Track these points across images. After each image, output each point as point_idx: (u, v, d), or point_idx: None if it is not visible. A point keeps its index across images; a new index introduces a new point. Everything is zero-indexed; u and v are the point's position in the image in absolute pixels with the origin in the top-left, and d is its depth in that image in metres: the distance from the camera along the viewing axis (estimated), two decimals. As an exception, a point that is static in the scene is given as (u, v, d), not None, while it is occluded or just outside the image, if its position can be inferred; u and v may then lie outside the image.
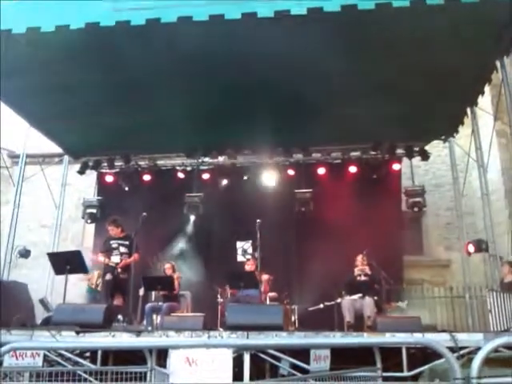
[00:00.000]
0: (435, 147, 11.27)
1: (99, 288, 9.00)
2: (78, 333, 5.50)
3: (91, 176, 12.11)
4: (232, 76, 7.66)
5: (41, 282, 10.19)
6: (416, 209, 10.55)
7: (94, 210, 11.30)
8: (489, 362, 2.32)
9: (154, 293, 8.78)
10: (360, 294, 7.89)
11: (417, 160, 10.96)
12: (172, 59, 7.15)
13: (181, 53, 6.96)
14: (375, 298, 7.80)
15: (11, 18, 5.91)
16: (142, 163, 11.76)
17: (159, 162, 11.83)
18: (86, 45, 6.61)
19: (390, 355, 4.82)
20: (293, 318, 8.60)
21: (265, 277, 8.71)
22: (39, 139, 10.41)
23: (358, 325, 7.56)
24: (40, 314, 8.83)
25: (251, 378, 4.57)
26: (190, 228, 11.02)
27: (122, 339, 5.31)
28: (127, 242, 8.04)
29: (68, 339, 5.34)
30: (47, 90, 8.07)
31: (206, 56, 7.05)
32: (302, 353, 4.71)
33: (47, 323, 6.89)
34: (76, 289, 9.33)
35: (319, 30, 6.25)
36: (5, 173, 11.97)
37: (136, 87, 8.05)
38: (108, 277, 7.84)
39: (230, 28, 5.95)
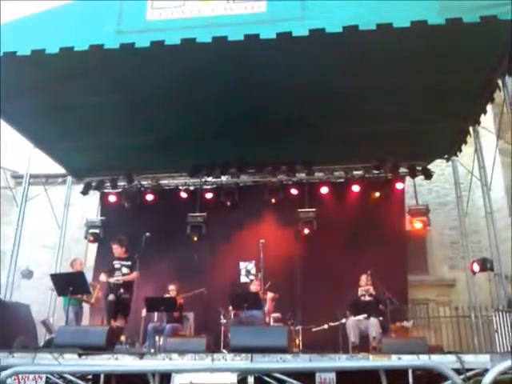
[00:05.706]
0: (438, 166, 11.25)
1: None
2: (80, 355, 5.44)
3: (94, 196, 12.12)
4: (235, 96, 7.72)
5: (43, 303, 10.15)
6: (420, 227, 10.49)
7: (97, 230, 11.31)
8: (496, 384, 2.29)
9: (156, 313, 8.72)
10: (365, 315, 7.81)
11: (420, 179, 10.92)
12: (174, 80, 7.19)
13: (183, 74, 7.01)
14: (380, 318, 7.72)
15: (15, 39, 5.99)
16: (144, 183, 11.76)
17: (162, 182, 11.82)
18: (89, 66, 6.67)
19: (396, 377, 4.73)
20: (297, 339, 8.51)
21: (269, 295, 8.63)
22: (43, 160, 10.44)
23: (363, 345, 7.46)
24: (42, 336, 8.78)
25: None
26: (192, 248, 10.93)
27: (124, 362, 5.23)
28: (129, 263, 7.99)
29: (70, 362, 5.26)
30: (50, 110, 8.15)
31: (209, 77, 7.10)
32: (307, 375, 4.64)
33: (50, 345, 6.83)
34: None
35: (320, 49, 6.30)
36: (8, 193, 11.99)
37: (138, 107, 8.10)
38: (111, 297, 7.79)
39: (232, 49, 6.00)
